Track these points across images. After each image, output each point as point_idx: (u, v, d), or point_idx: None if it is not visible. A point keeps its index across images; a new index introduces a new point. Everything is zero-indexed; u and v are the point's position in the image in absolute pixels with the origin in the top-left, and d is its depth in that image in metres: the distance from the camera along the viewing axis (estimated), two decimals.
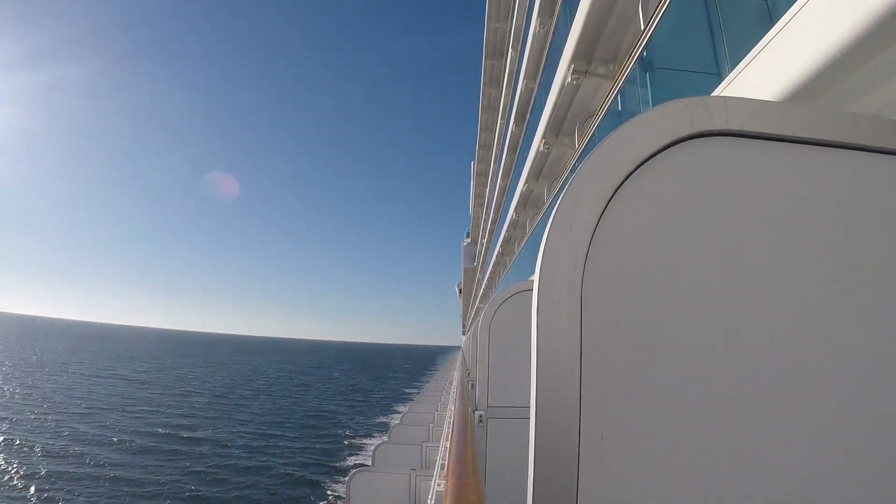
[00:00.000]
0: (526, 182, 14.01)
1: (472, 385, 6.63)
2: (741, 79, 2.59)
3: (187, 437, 29.11)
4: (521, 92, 14.79)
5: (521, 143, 16.78)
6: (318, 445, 29.82)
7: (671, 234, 1.02)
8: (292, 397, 52.00)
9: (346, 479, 10.07)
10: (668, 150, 1.02)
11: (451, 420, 10.37)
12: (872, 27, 1.72)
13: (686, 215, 1.02)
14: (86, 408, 35.96)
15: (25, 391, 41.36)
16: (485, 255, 37.31)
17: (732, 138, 1.05)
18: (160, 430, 30.41)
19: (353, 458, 26.88)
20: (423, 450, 12.00)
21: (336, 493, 20.13)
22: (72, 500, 18.11)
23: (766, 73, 2.32)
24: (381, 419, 39.02)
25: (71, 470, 21.43)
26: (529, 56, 13.11)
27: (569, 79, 8.29)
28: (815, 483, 0.98)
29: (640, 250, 1.00)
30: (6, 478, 19.89)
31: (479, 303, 40.65)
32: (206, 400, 44.63)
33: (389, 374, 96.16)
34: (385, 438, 15.75)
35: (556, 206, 0.98)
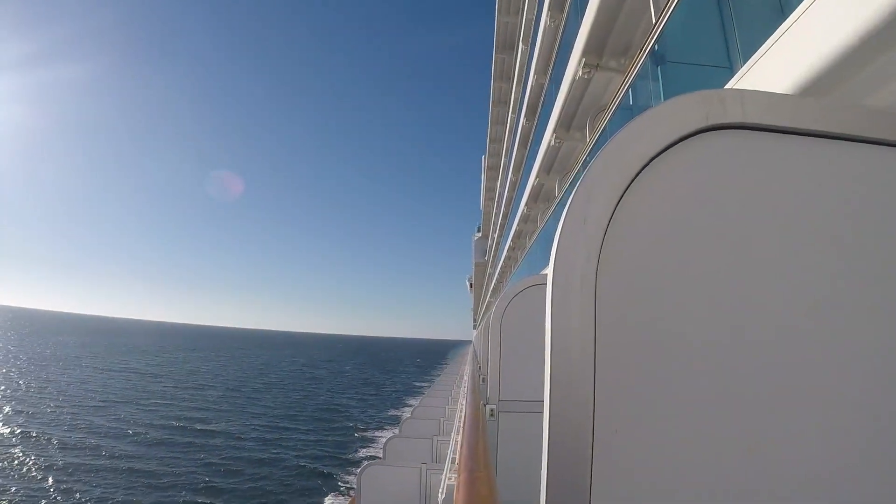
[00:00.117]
0: (537, 176, 13.95)
1: (484, 379, 6.65)
2: (754, 72, 2.56)
3: (201, 430, 29.47)
4: (531, 86, 14.70)
5: (531, 137, 16.69)
6: (330, 438, 30.08)
7: (685, 227, 1.01)
8: (304, 391, 52.37)
9: (357, 472, 10.12)
10: (682, 142, 1.02)
11: (462, 414, 10.39)
12: (887, 20, 1.70)
13: (700, 209, 1.02)
14: (100, 401, 36.46)
15: (41, 384, 41.97)
16: (496, 250, 37.24)
17: (747, 131, 1.05)
18: (174, 422, 30.80)
19: (364, 450, 27.11)
20: (433, 444, 12.02)
21: (348, 485, 20.29)
22: (89, 491, 18.40)
23: (779, 66, 2.30)
24: (393, 412, 39.23)
25: (87, 462, 21.77)
26: (540, 50, 13.02)
27: (580, 73, 8.23)
28: (826, 479, 0.98)
29: (653, 244, 1.00)
30: (25, 469, 20.26)
31: (490, 297, 40.61)
32: (219, 393, 45.08)
33: (401, 368, 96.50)
34: (396, 432, 15.81)
35: (570, 199, 0.98)
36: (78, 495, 18.04)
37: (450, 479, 5.96)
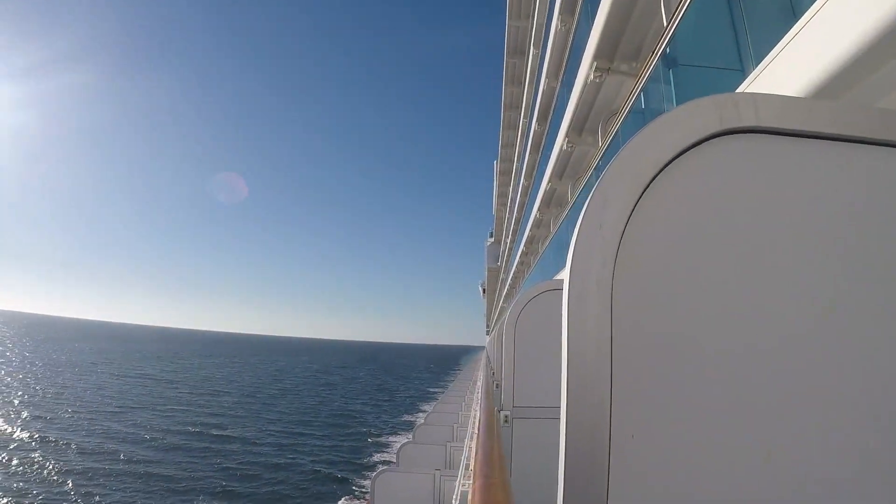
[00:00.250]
0: (549, 181, 13.92)
1: (497, 385, 6.62)
2: (766, 75, 2.55)
3: (218, 435, 29.76)
4: (543, 90, 14.70)
5: (543, 141, 16.67)
6: (345, 444, 30.25)
7: (700, 232, 1.01)
8: (319, 396, 52.60)
9: (371, 477, 10.14)
10: (697, 147, 1.02)
11: (476, 420, 10.35)
12: None
13: (715, 214, 1.02)
14: (117, 406, 36.94)
15: (58, 390, 42.55)
16: (508, 255, 37.18)
17: (762, 135, 1.04)
18: (191, 428, 31.10)
19: (378, 455, 27.26)
20: (447, 450, 12.01)
21: (363, 489, 20.35)
22: (109, 494, 18.65)
23: (790, 69, 2.28)
24: (407, 418, 39.29)
25: (106, 466, 22.06)
26: (551, 54, 13.02)
27: (591, 77, 8.22)
28: (842, 486, 0.97)
29: (669, 249, 1.00)
30: (45, 473, 20.58)
31: (503, 302, 40.51)
32: (235, 399, 45.43)
33: (414, 374, 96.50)
34: (409, 438, 15.81)
35: (586, 205, 0.99)
36: (98, 498, 18.31)
37: (464, 485, 5.93)
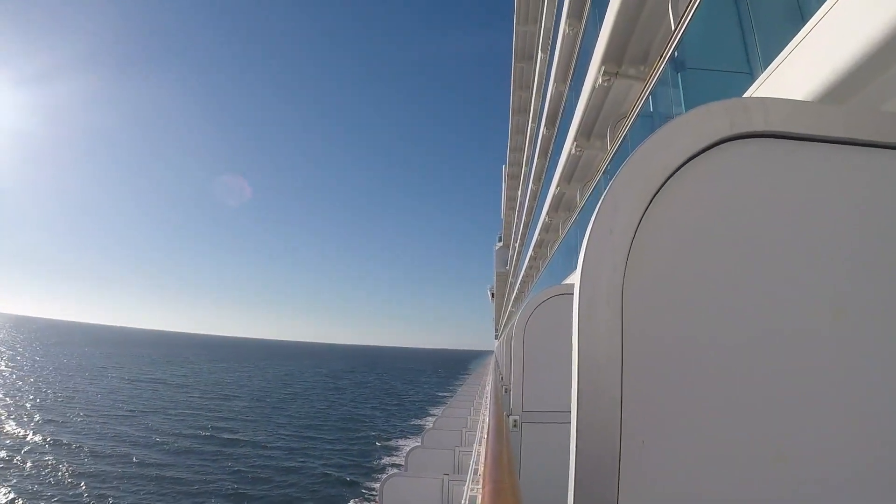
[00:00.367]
0: (558, 185, 13.89)
1: (507, 390, 6.61)
2: (774, 78, 2.54)
3: (228, 439, 29.88)
4: (551, 95, 14.70)
5: (552, 145, 16.66)
6: (354, 447, 30.33)
7: (711, 237, 1.02)
8: (328, 401, 52.67)
9: (379, 482, 10.13)
10: (707, 152, 1.03)
11: (485, 425, 10.33)
12: None
13: (725, 218, 1.02)
14: (128, 410, 37.13)
15: (69, 394, 42.73)
16: (517, 259, 37.11)
17: (771, 139, 1.05)
18: (201, 432, 31.24)
19: (388, 458, 27.31)
20: (455, 454, 11.96)
21: (373, 492, 20.38)
22: (122, 497, 18.78)
23: (799, 72, 2.27)
24: (416, 422, 39.29)
25: (118, 469, 22.21)
26: (559, 59, 13.03)
27: (599, 81, 8.20)
28: (855, 486, 0.96)
29: (679, 254, 1.00)
30: (58, 475, 20.73)
31: (512, 306, 40.42)
32: (245, 403, 45.58)
33: (423, 379, 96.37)
34: (418, 442, 15.79)
35: (597, 209, 1.00)
36: (111, 500, 18.44)
37: (472, 489, 5.91)
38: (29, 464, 21.98)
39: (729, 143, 1.04)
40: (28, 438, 26.52)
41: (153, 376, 64.41)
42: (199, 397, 47.46)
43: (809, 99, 2.13)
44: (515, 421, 4.54)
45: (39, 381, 49.78)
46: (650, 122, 6.23)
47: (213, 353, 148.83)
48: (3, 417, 31.09)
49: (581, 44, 11.31)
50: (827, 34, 2.07)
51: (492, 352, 56.59)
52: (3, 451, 23.46)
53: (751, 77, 2.98)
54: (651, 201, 1.00)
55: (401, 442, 31.35)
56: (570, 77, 12.83)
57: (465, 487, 6.08)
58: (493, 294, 63.10)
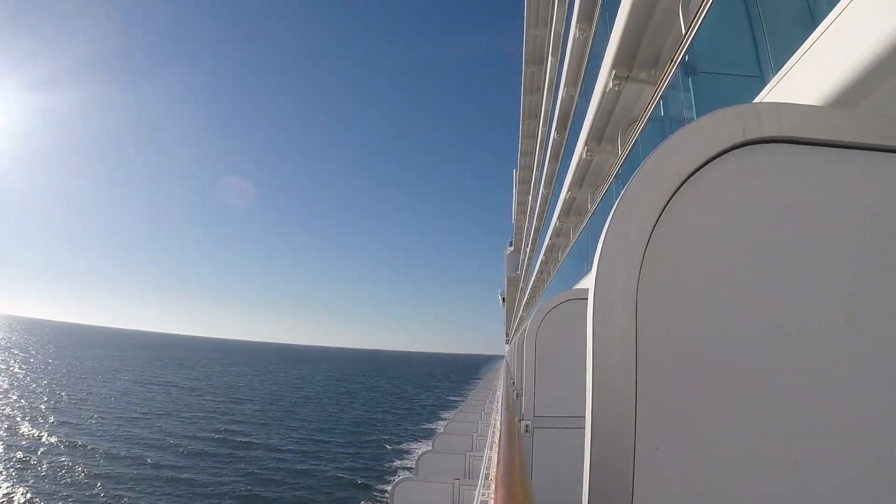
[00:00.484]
0: (569, 189, 13.87)
1: (518, 394, 6.59)
2: (786, 82, 2.53)
3: (242, 442, 30.13)
4: (562, 99, 14.69)
5: (563, 150, 16.65)
6: (366, 451, 30.51)
7: (725, 243, 1.02)
8: (340, 404, 52.89)
9: (390, 486, 10.15)
10: (719, 158, 1.03)
11: (495, 430, 10.30)
12: None
13: (739, 225, 1.03)
14: (142, 413, 37.50)
15: (82, 396, 43.10)
16: (528, 264, 37.04)
17: (783, 145, 1.05)
18: (215, 434, 31.50)
19: (399, 461, 27.48)
20: (466, 459, 11.96)
21: (385, 494, 20.44)
22: (137, 499, 18.98)
23: (810, 76, 2.27)
24: (427, 426, 39.31)
25: (133, 471, 22.46)
26: (569, 63, 13.03)
27: (610, 85, 8.19)
28: (872, 492, 0.96)
29: (693, 259, 1.01)
30: (73, 476, 21.00)
31: (523, 311, 40.34)
32: (257, 407, 45.86)
33: (434, 383, 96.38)
34: (429, 447, 15.79)
35: (611, 214, 1.01)
36: (126, 501, 18.64)
37: (483, 494, 5.90)
38: (45, 464, 22.26)
39: (741, 148, 1.04)
40: (43, 440, 26.84)
41: (165, 379, 64.92)
42: (211, 400, 47.80)
43: (820, 103, 2.12)
44: (527, 426, 4.53)
45: (53, 384, 50.20)
46: (661, 126, 6.21)
47: (224, 357, 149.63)
48: (18, 419, 31.47)
49: (591, 48, 11.30)
50: (838, 38, 2.06)
51: (502, 356, 56.45)
52: (19, 452, 23.77)
53: (761, 81, 2.97)
54: (665, 207, 1.00)
55: (412, 445, 31.50)
56: (580, 81, 12.83)
57: (476, 492, 6.07)
58: (503, 298, 63.02)
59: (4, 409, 34.10)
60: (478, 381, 66.60)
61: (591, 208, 12.26)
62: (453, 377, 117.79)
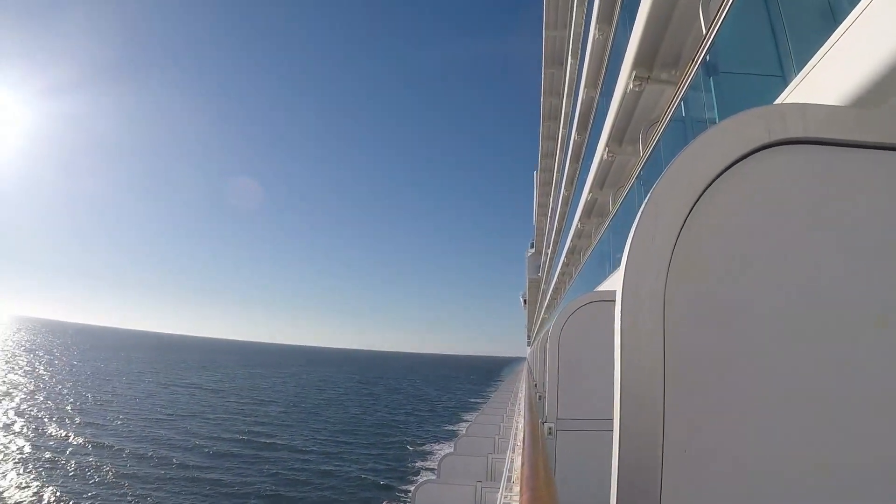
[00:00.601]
0: (590, 190, 13.77)
1: (541, 396, 6.56)
2: (809, 81, 2.49)
3: (266, 443, 30.47)
4: (582, 100, 14.60)
5: (583, 151, 16.53)
6: (389, 452, 30.67)
7: (751, 244, 1.03)
8: (362, 406, 53.11)
9: (412, 488, 10.16)
10: (745, 159, 1.03)
11: (517, 432, 10.25)
12: None
13: (765, 225, 1.03)
14: (167, 414, 38.02)
15: (107, 398, 43.61)
16: (549, 266, 36.80)
17: (809, 146, 1.05)
18: (239, 435, 31.88)
19: (421, 462, 27.59)
20: (488, 461, 11.90)
21: (408, 494, 20.54)
22: (165, 498, 19.30)
23: (833, 75, 2.23)
24: (448, 427, 39.31)
25: (159, 471, 22.85)
26: (589, 64, 12.94)
27: (631, 85, 8.13)
28: None
29: (720, 260, 1.02)
30: (100, 476, 21.38)
31: (545, 313, 40.06)
32: (281, 408, 46.25)
33: (455, 385, 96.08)
34: (451, 449, 15.77)
35: (638, 217, 1.02)
36: (150, 499, 19.01)
37: (505, 497, 5.89)
38: (73, 464, 22.68)
39: (767, 150, 1.04)
40: (70, 440, 27.31)
41: (189, 381, 65.63)
42: (235, 402, 48.30)
43: (844, 103, 2.09)
44: (550, 428, 4.50)
45: (78, 385, 50.80)
46: (683, 126, 6.14)
47: (246, 359, 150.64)
48: (45, 420, 31.98)
49: (611, 48, 11.22)
50: (861, 36, 2.03)
51: (524, 358, 56.08)
52: (47, 452, 24.21)
53: (783, 81, 2.93)
54: (691, 209, 1.01)
55: (434, 447, 31.57)
56: (600, 82, 12.74)
57: (499, 495, 6.05)
58: (525, 300, 62.69)
59: (32, 410, 34.74)
60: (499, 383, 66.27)
61: (613, 210, 12.16)
62: (475, 379, 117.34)
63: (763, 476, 0.94)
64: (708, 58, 4.78)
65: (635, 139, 10.38)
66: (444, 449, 24.45)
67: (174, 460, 24.78)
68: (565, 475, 4.32)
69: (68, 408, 37.13)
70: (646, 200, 1.02)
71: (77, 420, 32.95)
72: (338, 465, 26.32)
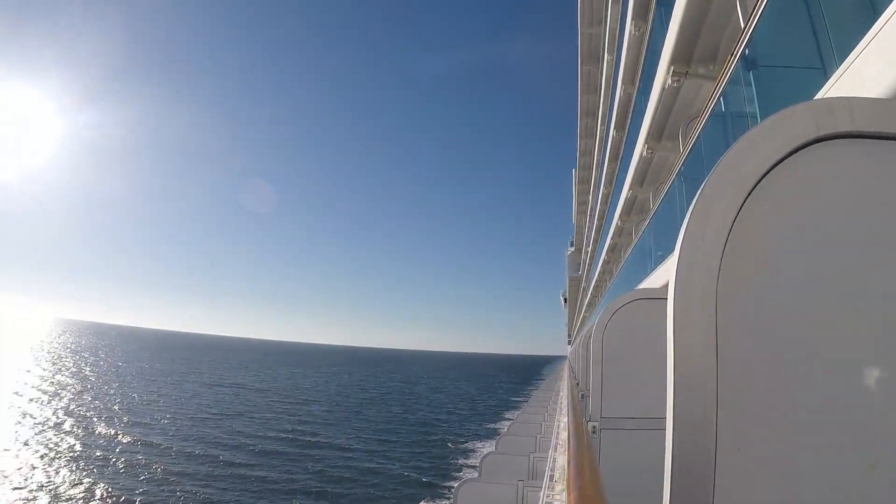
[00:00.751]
0: (630, 188, 13.55)
1: (584, 395, 6.51)
2: (850, 74, 2.42)
3: (310, 441, 31.00)
4: (619, 97, 14.38)
5: (622, 148, 16.27)
6: (432, 450, 30.83)
7: (803, 241, 1.03)
8: (403, 405, 53.47)
9: (454, 486, 10.21)
10: (794, 155, 1.03)
11: (559, 431, 10.17)
12: None
13: (816, 221, 1.03)
14: (213, 414, 38.78)
15: (154, 398, 44.54)
16: (590, 264, 36.31)
17: (858, 140, 1.04)
18: (284, 434, 32.53)
19: (463, 460, 27.69)
20: (530, 460, 11.83)
21: (450, 491, 20.62)
22: (214, 495, 19.90)
23: (875, 67, 2.16)
24: (489, 426, 39.21)
25: (207, 468, 23.51)
26: (626, 60, 12.75)
27: (669, 81, 7.99)
28: None
29: (772, 257, 1.02)
30: (149, 474, 22.03)
31: (586, 311, 39.51)
32: (324, 407, 46.90)
33: (496, 384, 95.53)
34: (492, 448, 15.76)
35: (689, 215, 1.04)
36: (200, 496, 19.62)
37: (548, 496, 5.87)
38: (122, 462, 23.36)
39: (816, 145, 1.03)
40: (119, 438, 28.02)
41: (233, 381, 66.74)
42: (279, 401, 49.09)
43: (889, 95, 2.03)
44: (594, 427, 4.47)
45: (124, 385, 51.74)
46: (723, 121, 6.01)
47: (287, 359, 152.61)
48: (94, 419, 32.72)
49: (648, 44, 11.04)
50: None
51: (565, 357, 55.39)
52: (98, 451, 24.92)
53: (823, 74, 2.85)
54: (741, 206, 1.01)
55: (476, 444, 31.62)
56: (638, 78, 12.54)
57: (542, 494, 6.04)
58: (565, 299, 61.96)
59: (80, 410, 35.66)
60: (540, 381, 65.60)
61: (654, 207, 11.94)
62: (515, 378, 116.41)
63: (816, 473, 0.94)
64: (747, 52, 4.67)
65: (674, 135, 10.18)
66: (486, 447, 24.41)
67: (221, 458, 25.43)
68: (610, 474, 4.28)
69: (116, 407, 38.03)
70: (695, 199, 1.03)
71: (125, 419, 33.73)
72: (381, 463, 26.64)
